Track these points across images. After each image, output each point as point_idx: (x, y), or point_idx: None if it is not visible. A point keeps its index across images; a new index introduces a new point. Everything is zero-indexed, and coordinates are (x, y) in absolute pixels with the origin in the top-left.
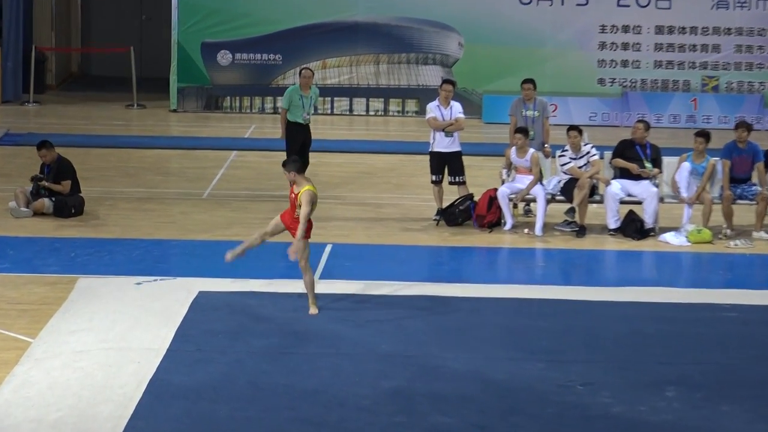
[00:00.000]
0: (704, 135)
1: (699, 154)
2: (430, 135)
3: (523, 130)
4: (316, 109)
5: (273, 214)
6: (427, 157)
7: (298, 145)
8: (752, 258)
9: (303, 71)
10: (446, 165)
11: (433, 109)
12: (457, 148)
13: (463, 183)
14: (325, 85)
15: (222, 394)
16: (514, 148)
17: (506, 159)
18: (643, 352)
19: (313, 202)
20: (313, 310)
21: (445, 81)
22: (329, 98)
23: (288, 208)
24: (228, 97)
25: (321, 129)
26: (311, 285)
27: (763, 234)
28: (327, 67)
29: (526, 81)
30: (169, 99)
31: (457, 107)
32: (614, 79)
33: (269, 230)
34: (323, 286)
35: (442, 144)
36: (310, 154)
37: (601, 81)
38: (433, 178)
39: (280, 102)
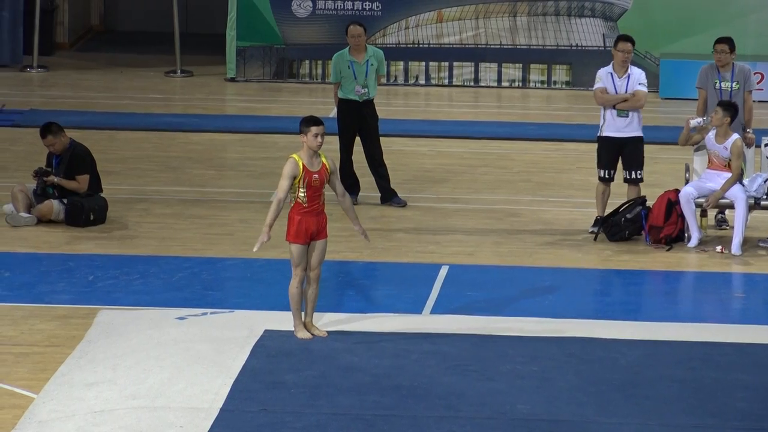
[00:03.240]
0: None
1: None
2: (600, 114)
3: (728, 105)
4: (381, 79)
5: (369, 222)
6: (583, 147)
7: (351, 131)
8: None
9: (350, 28)
10: (620, 156)
11: (603, 77)
12: (636, 133)
13: (640, 181)
14: (441, 45)
15: None
16: (713, 130)
17: (685, 135)
18: None
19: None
20: (303, 334)
21: (622, 38)
22: (446, 63)
23: None
24: (307, 62)
25: (434, 105)
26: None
27: None
28: (444, 21)
29: (720, 41)
30: (225, 64)
31: (637, 75)
32: None
33: None
34: (435, 323)
35: (614, 126)
36: (395, 140)
37: None
38: (601, 173)
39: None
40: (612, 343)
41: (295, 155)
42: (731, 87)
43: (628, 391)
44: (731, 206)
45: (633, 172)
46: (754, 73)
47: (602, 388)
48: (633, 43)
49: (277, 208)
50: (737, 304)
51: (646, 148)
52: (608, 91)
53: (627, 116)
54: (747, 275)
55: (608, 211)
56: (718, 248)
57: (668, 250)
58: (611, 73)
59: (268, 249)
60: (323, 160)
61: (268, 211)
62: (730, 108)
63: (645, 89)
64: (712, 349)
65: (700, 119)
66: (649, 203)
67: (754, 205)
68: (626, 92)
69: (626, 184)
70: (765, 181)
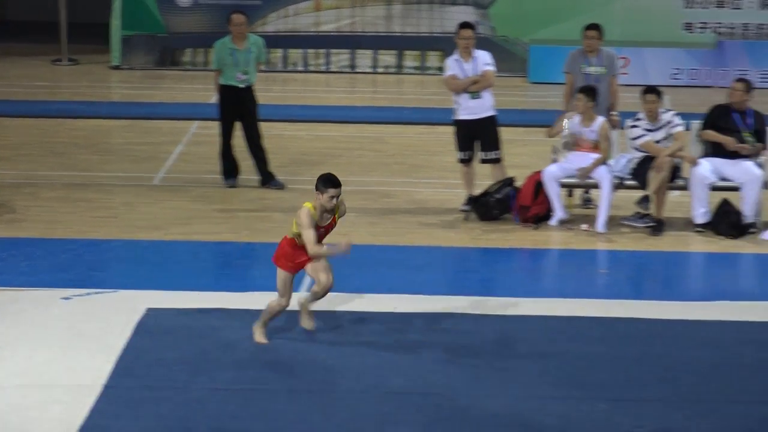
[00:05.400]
0: None
1: None
2: (453, 99)
3: (589, 90)
4: (261, 66)
5: (248, 204)
6: (453, 129)
7: (231, 117)
8: None
9: (233, 16)
10: (475, 137)
11: (451, 65)
12: (489, 113)
13: (498, 161)
14: (318, 33)
15: None
16: (574, 115)
17: (557, 128)
18: (738, 388)
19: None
20: (260, 339)
21: (462, 25)
22: (324, 50)
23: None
24: (189, 50)
25: (312, 91)
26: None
27: None
28: (321, 9)
29: (589, 27)
30: (110, 52)
31: (483, 57)
32: (706, 23)
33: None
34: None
35: (468, 109)
36: (274, 125)
37: (689, 26)
38: (460, 155)
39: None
40: (482, 318)
41: (309, 205)
42: (598, 71)
43: (495, 365)
44: (596, 186)
45: (490, 152)
46: (620, 58)
47: (470, 362)
48: (473, 28)
49: (313, 254)
50: (601, 279)
51: (515, 131)
52: (458, 77)
53: (480, 98)
54: (611, 252)
55: (479, 191)
56: (584, 226)
57: (535, 228)
58: (457, 60)
59: (151, 230)
60: (335, 215)
61: (318, 250)
62: (591, 93)
63: (492, 68)
64: (576, 323)
65: (575, 119)
66: (518, 184)
67: (619, 184)
68: (475, 74)
69: (490, 165)
70: (628, 161)
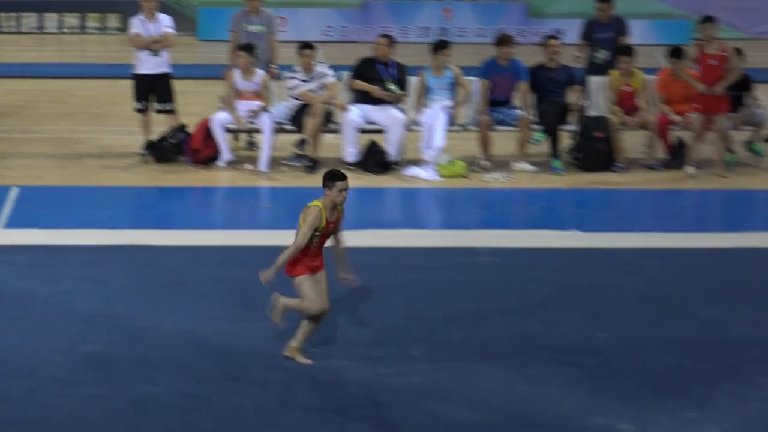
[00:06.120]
0: (444, 46)
1: (438, 68)
2: (134, 55)
3: (247, 47)
4: None
5: None
6: (132, 83)
7: None
8: (512, 193)
9: None
10: (152, 90)
11: (136, 24)
12: (164, 69)
13: (172, 111)
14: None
15: None
16: (237, 69)
17: (228, 82)
18: (385, 305)
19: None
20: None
21: None
22: (14, 14)
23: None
24: None
25: (3, 50)
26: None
27: (524, 165)
28: None
29: None
30: None
31: (165, 20)
32: None
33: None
34: (7, 237)
35: (148, 65)
36: None
37: None
38: (137, 105)
39: None
40: (159, 249)
41: (319, 204)
42: (259, 30)
43: (172, 290)
44: (259, 130)
45: (165, 104)
46: (278, 18)
47: (150, 288)
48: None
49: (294, 253)
50: (266, 213)
51: (186, 83)
52: (142, 35)
53: (159, 55)
54: (273, 188)
55: (156, 137)
56: (249, 166)
57: (206, 169)
58: (142, 20)
59: None
60: (340, 209)
61: (283, 252)
62: (249, 49)
63: (173, 31)
64: (242, 252)
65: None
66: (191, 130)
67: (279, 129)
68: (158, 35)
69: (165, 114)
70: (287, 109)
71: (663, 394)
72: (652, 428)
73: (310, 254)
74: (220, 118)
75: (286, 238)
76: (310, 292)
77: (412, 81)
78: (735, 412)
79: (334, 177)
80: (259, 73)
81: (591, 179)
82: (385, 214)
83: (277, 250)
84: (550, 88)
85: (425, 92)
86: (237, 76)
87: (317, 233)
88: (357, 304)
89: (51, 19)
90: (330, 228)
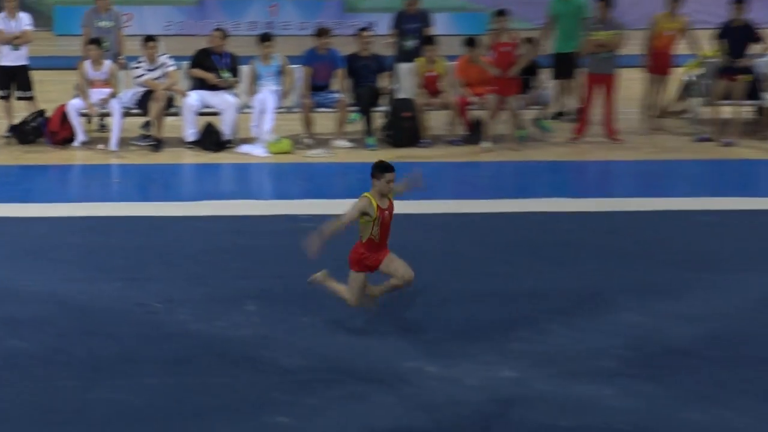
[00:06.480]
0: (268, 38)
1: (266, 57)
2: None
3: (96, 41)
4: None
5: None
6: None
7: None
8: (332, 167)
9: None
10: (13, 80)
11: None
12: (23, 62)
13: (32, 98)
14: None
15: None
16: (88, 61)
17: (81, 73)
18: (222, 267)
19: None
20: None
21: None
22: None
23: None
24: None
25: None
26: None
27: (342, 142)
28: None
29: None
30: None
31: (25, 19)
32: None
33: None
34: None
35: (9, 58)
36: None
37: None
38: (0, 93)
39: None
40: (22, 221)
41: (368, 194)
42: (108, 25)
43: (35, 256)
44: (109, 114)
45: (25, 92)
46: (124, 14)
47: (15, 254)
48: None
49: (339, 229)
50: (116, 187)
51: (45, 73)
52: (4, 32)
53: (18, 50)
54: (122, 166)
55: (18, 122)
56: (101, 146)
57: (66, 149)
58: (4, 18)
59: None
60: (391, 197)
61: (328, 223)
62: (98, 42)
63: (32, 28)
64: (97, 221)
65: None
66: (49, 114)
67: (126, 113)
68: (18, 31)
69: (25, 101)
70: (134, 95)
71: (465, 341)
72: (455, 370)
73: (374, 248)
74: (75, 104)
75: (131, 209)
76: (357, 290)
77: (244, 69)
78: (528, 355)
79: (382, 169)
80: (108, 64)
81: (400, 154)
82: (221, 186)
83: (127, 219)
84: (364, 73)
85: (255, 79)
86: (88, 66)
87: (370, 220)
88: (197, 266)
89: None
90: (384, 215)
